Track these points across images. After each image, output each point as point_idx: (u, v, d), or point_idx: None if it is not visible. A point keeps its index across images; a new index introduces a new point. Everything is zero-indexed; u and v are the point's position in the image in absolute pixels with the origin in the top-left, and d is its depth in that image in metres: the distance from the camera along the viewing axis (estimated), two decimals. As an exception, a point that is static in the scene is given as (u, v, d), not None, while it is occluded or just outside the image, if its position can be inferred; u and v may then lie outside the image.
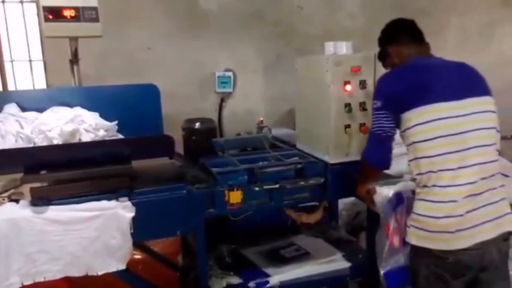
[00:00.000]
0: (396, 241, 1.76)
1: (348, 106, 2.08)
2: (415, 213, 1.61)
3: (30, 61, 3.49)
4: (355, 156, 2.10)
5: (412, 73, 1.66)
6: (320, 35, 3.63)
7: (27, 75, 3.51)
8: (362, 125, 2.12)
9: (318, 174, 2.13)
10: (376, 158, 1.76)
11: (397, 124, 1.66)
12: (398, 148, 3.39)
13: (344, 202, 3.14)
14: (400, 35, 1.81)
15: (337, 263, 2.34)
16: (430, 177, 1.55)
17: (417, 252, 1.61)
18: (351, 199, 3.18)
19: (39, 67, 3.51)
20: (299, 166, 2.12)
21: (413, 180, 1.67)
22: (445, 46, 3.92)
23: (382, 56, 1.89)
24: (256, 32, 3.74)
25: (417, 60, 1.71)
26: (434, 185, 1.54)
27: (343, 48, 2.10)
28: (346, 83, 2.06)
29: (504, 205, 1.57)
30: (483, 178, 1.54)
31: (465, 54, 2.44)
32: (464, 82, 1.62)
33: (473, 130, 1.54)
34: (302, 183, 2.09)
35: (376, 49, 1.98)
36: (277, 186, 2.04)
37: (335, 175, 2.13)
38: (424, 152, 1.55)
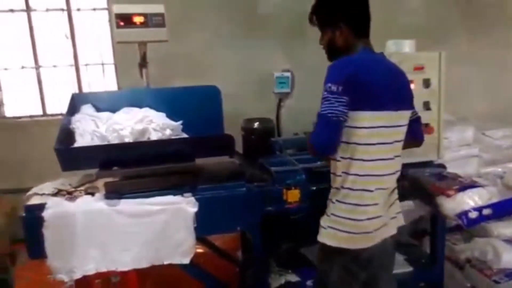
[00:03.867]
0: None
1: (411, 105, 2.02)
2: (335, 215, 1.58)
3: (103, 64, 3.76)
4: (418, 157, 2.04)
5: (371, 69, 1.54)
6: (379, 33, 3.55)
7: (100, 78, 3.77)
8: (426, 125, 2.05)
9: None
10: (325, 143, 1.54)
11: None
12: (467, 149, 3.26)
13: (405, 205, 3.04)
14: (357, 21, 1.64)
15: (399, 266, 2.27)
16: (356, 180, 1.54)
17: (331, 253, 1.60)
18: (414, 202, 3.10)
19: (110, 70, 3.77)
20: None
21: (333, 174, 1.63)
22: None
23: (327, 26, 1.66)
24: (312, 32, 3.72)
25: (368, 55, 1.61)
26: (362, 189, 1.54)
27: (406, 46, 2.05)
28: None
29: (398, 204, 1.70)
30: (393, 182, 1.64)
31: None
32: (401, 93, 1.60)
33: (395, 141, 1.59)
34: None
35: (440, 47, 1.91)
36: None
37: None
38: (361, 155, 1.53)
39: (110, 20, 3.59)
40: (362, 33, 1.62)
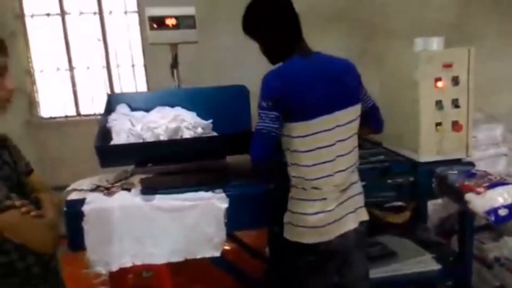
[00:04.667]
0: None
1: (439, 103, 2.03)
2: (291, 211, 1.70)
3: (133, 66, 3.88)
4: (447, 155, 2.04)
5: (297, 82, 1.58)
6: (407, 30, 3.54)
7: (130, 78, 3.90)
8: (454, 123, 2.06)
9: (406, 173, 2.11)
10: (259, 155, 1.65)
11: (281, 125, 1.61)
12: (495, 148, 3.22)
13: (433, 204, 3.04)
14: (284, 24, 1.66)
15: (426, 264, 2.29)
16: (304, 181, 1.64)
17: (292, 247, 1.70)
18: (441, 201, 3.08)
19: (140, 71, 3.89)
20: (386, 164, 2.12)
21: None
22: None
23: (256, 38, 1.74)
24: (338, 30, 3.75)
25: (298, 61, 1.63)
26: (312, 187, 1.64)
27: (434, 44, 2.06)
28: (437, 79, 2.02)
29: (359, 199, 1.75)
30: (347, 178, 1.69)
31: None
32: (338, 93, 1.62)
33: (338, 141, 1.63)
34: (389, 181, 2.08)
35: (469, 44, 1.91)
36: (363, 183, 2.05)
37: (425, 174, 2.09)
38: (304, 161, 1.63)
39: (140, 23, 3.71)
40: (292, 38, 1.67)
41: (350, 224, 1.70)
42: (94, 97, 3.88)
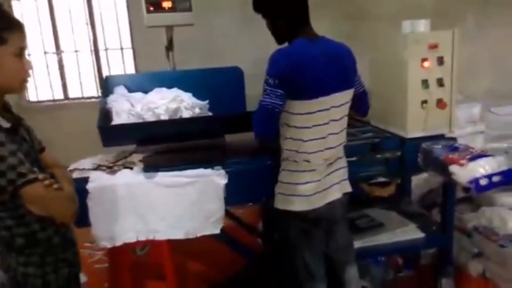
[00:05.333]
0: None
1: (425, 82, 2.16)
2: (282, 181, 1.84)
3: (122, 49, 3.88)
4: (432, 131, 2.19)
5: (303, 63, 1.68)
6: (396, 14, 3.66)
7: (119, 62, 3.90)
8: (439, 100, 2.19)
9: (395, 148, 2.25)
10: (262, 131, 1.77)
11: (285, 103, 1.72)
12: (473, 126, 3.38)
13: (416, 179, 3.21)
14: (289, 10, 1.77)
15: (411, 233, 2.44)
16: (296, 155, 1.77)
17: (283, 215, 1.85)
18: (423, 176, 3.26)
19: (129, 54, 3.90)
20: (376, 140, 2.25)
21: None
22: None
23: (266, 17, 1.83)
24: (326, 14, 3.83)
25: (304, 43, 1.73)
26: (303, 160, 1.76)
27: (421, 26, 2.17)
28: (424, 60, 2.14)
29: (344, 172, 1.90)
30: (335, 154, 1.83)
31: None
32: (337, 76, 1.73)
33: (331, 120, 1.76)
34: (379, 156, 2.21)
35: (452, 27, 2.03)
36: (354, 158, 2.18)
37: (411, 149, 2.23)
38: (299, 136, 1.75)
39: (128, 6, 3.70)
40: (300, 22, 1.77)
41: (336, 194, 1.86)
42: (82, 81, 3.87)
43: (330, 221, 1.90)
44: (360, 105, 1.94)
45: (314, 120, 1.72)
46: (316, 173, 1.78)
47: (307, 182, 1.77)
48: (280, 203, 1.85)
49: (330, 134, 1.77)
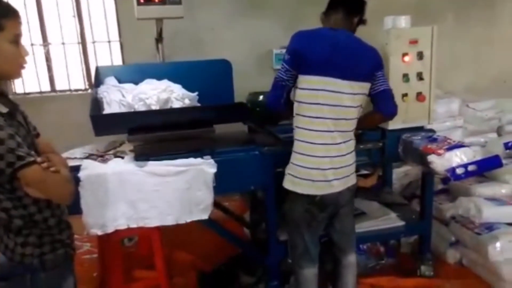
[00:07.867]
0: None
1: (406, 76, 2.26)
2: (292, 163, 1.93)
3: (109, 42, 3.89)
4: (412, 123, 2.29)
5: (313, 40, 1.86)
6: (378, 10, 3.76)
7: (107, 54, 3.91)
8: (419, 94, 2.30)
9: (377, 139, 2.35)
10: (270, 101, 2.00)
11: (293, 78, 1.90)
12: (452, 120, 3.51)
13: (396, 172, 3.33)
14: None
15: (392, 221, 2.55)
16: (302, 132, 1.89)
17: (291, 196, 1.95)
18: (404, 169, 3.39)
19: (116, 47, 3.91)
20: (359, 131, 2.33)
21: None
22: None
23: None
24: (311, 10, 3.91)
25: (324, 30, 1.93)
26: (307, 141, 1.87)
27: (402, 21, 2.27)
28: (404, 54, 2.24)
29: (353, 167, 1.97)
30: (342, 140, 1.90)
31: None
32: (345, 64, 1.83)
33: (338, 105, 1.84)
34: (362, 146, 2.31)
35: (432, 23, 2.14)
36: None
37: (392, 140, 2.34)
38: (305, 112, 1.87)
39: (116, -1, 3.71)
40: (330, 12, 1.95)
41: (343, 185, 1.93)
42: (69, 73, 3.87)
43: (337, 205, 1.98)
44: (380, 105, 1.98)
45: (319, 98, 1.83)
46: (319, 160, 1.85)
47: (311, 168, 1.86)
48: (287, 183, 1.94)
49: (339, 119, 1.85)
